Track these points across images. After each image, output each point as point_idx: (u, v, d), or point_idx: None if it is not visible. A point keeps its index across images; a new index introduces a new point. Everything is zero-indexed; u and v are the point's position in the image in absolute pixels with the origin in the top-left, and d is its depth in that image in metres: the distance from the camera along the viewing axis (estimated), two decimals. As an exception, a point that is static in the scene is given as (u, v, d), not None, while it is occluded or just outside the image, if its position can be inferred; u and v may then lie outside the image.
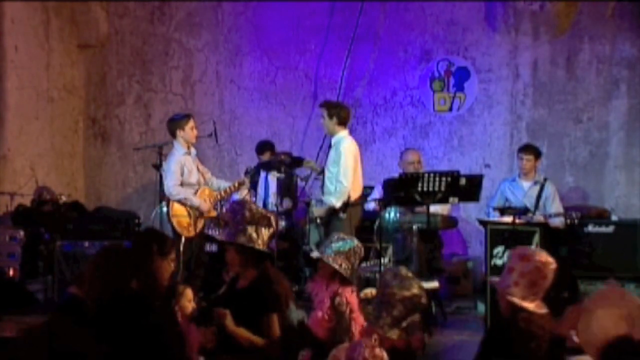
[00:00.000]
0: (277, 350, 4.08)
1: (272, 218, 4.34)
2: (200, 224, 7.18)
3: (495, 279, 4.16)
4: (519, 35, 8.65)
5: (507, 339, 3.87)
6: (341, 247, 5.01)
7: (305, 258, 8.17)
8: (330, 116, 7.13)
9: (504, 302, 3.94)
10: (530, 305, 3.92)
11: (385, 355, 3.58)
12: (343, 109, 7.30)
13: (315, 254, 5.02)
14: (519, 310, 3.90)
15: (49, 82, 9.84)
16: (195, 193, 7.30)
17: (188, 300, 4.73)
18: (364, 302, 4.58)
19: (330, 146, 7.33)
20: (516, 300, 3.90)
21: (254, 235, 4.21)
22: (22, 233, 8.01)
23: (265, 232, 4.25)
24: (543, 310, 3.96)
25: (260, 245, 4.23)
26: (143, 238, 4.31)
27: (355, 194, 7.11)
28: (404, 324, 3.89)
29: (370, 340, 3.68)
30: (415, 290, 3.93)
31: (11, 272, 7.92)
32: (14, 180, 9.19)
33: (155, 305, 4.01)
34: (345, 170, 7.03)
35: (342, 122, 7.20)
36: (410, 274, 4.04)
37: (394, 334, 3.90)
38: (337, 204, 7.02)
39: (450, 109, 9.00)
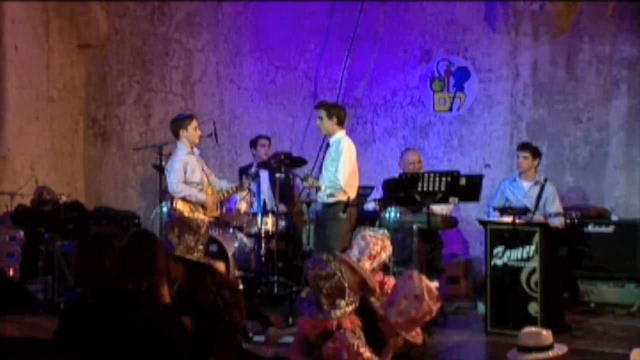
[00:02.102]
0: None
1: (203, 226, 4.27)
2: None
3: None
4: (519, 35, 8.64)
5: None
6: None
7: (305, 258, 8.17)
8: (330, 116, 7.17)
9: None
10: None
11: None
12: (341, 109, 7.39)
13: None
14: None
15: (49, 82, 9.85)
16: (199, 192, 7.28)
17: None
18: None
19: (328, 145, 7.33)
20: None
21: (175, 240, 4.18)
22: (22, 233, 8.02)
23: (189, 238, 4.19)
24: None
25: (180, 252, 4.16)
26: (146, 239, 4.28)
27: (353, 195, 7.12)
28: (343, 304, 4.01)
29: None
30: (330, 270, 4.14)
31: (11, 272, 7.94)
32: (14, 180, 9.20)
33: (165, 302, 4.02)
34: (344, 169, 7.07)
35: (341, 122, 7.25)
36: (330, 258, 4.29)
37: (338, 313, 4.03)
38: (327, 191, 7.05)
39: (450, 109, 8.99)
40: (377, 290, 4.31)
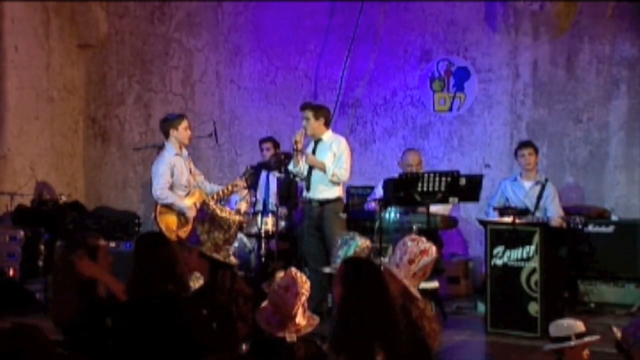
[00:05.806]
0: None
1: (233, 225, 4.26)
2: (189, 227, 7.01)
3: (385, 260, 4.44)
4: (519, 35, 8.65)
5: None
6: (347, 251, 5.01)
7: (305, 258, 8.17)
8: (317, 117, 7.27)
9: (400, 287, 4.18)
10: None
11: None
12: (327, 110, 7.52)
13: (328, 270, 5.02)
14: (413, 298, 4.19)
15: (49, 82, 9.85)
16: (187, 195, 7.19)
17: None
18: None
19: (316, 144, 7.35)
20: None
21: (204, 236, 4.15)
22: (22, 233, 8.02)
23: (218, 236, 4.16)
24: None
25: (208, 249, 4.14)
26: (159, 244, 4.28)
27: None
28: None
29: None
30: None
31: (11, 272, 7.94)
32: (14, 180, 9.20)
33: (184, 304, 4.02)
34: (348, 166, 7.22)
35: (327, 123, 7.37)
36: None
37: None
38: (332, 179, 7.12)
39: (450, 109, 8.99)
40: (419, 297, 4.23)
